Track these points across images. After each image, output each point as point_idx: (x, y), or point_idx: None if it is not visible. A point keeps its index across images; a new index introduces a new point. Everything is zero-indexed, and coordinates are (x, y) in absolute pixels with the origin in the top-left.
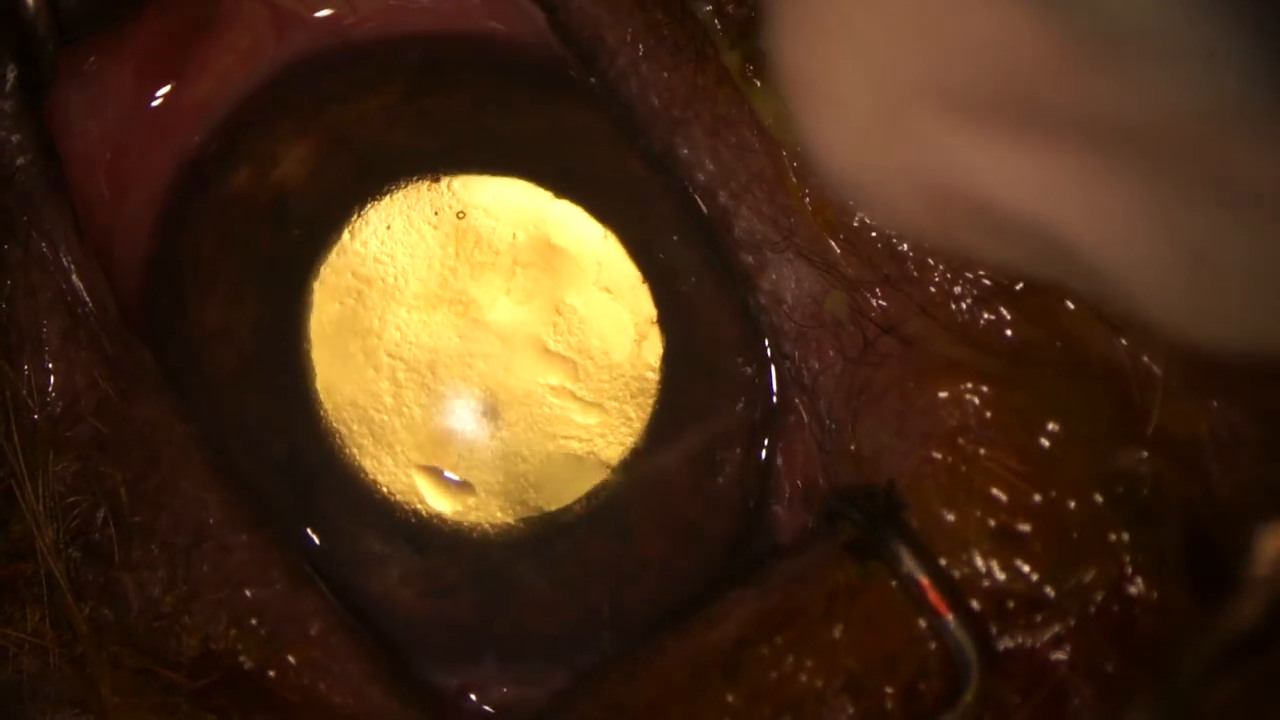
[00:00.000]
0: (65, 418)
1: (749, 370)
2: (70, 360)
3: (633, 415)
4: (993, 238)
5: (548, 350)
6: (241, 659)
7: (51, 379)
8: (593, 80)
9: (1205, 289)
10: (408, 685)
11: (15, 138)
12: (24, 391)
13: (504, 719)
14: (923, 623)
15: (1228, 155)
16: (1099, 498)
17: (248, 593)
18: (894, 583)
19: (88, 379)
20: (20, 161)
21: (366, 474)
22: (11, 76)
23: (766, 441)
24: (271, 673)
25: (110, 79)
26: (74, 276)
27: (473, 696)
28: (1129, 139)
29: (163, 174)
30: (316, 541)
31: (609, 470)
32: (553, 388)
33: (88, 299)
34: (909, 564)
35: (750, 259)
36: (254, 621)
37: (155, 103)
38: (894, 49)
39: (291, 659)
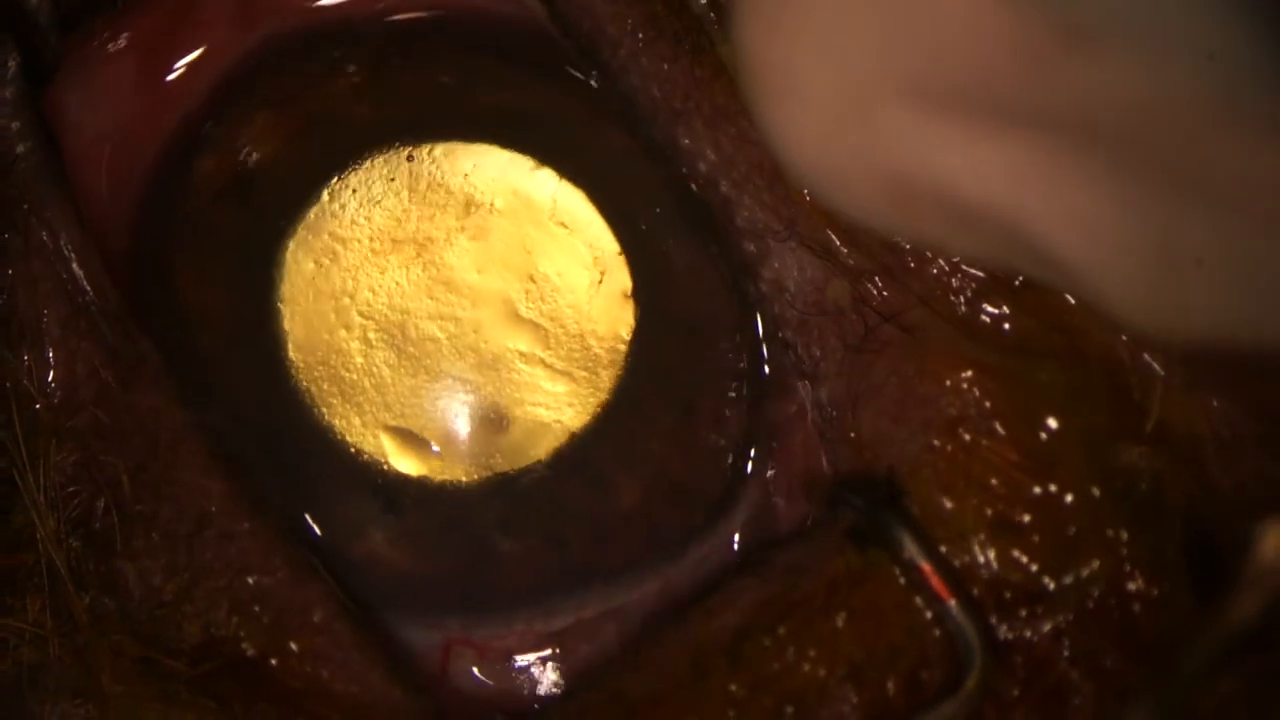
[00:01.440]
0: (66, 407)
1: (725, 345)
2: (71, 349)
3: (601, 386)
4: (958, 229)
5: (518, 316)
6: (244, 646)
7: (52, 368)
8: (594, 73)
9: (1168, 283)
10: (410, 671)
11: (15, 125)
12: (25, 381)
13: (505, 703)
14: (925, 611)
15: (1200, 150)
16: (1097, 492)
17: (250, 580)
18: (896, 570)
19: (88, 368)
20: (21, 149)
21: (335, 433)
22: (13, 65)
23: (765, 429)
24: (274, 660)
25: (110, 69)
26: (74, 265)
27: (470, 666)
28: (1097, 133)
29: (144, 160)
30: (297, 506)
31: (574, 437)
32: (522, 353)
33: (88, 287)
34: (911, 550)
35: (752, 247)
36: (256, 609)
37: (149, 90)
38: (860, 38)
39: (294, 646)
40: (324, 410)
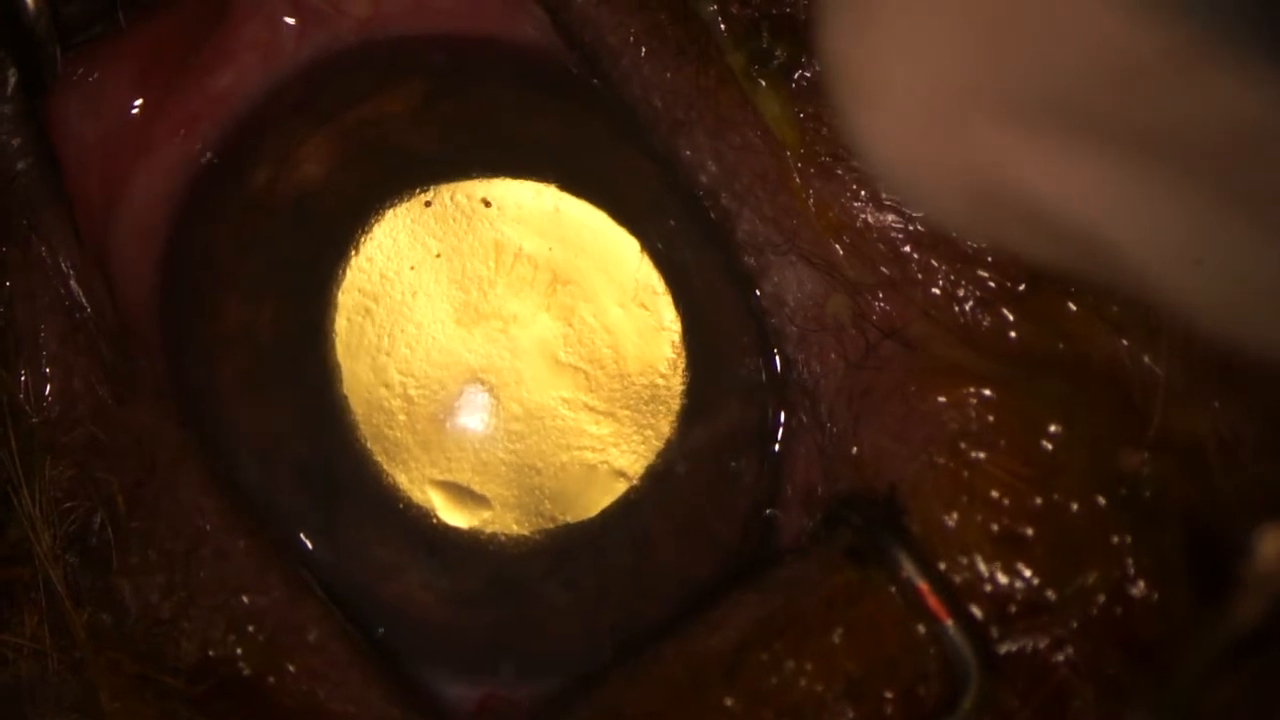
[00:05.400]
0: (62, 422)
1: (761, 375)
2: (67, 365)
3: (645, 423)
4: (1038, 238)
5: (559, 361)
6: (240, 665)
7: (49, 383)
8: (596, 82)
9: (1237, 297)
10: (407, 691)
11: (16, 141)
12: (20, 396)
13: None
14: (922, 628)
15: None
16: (1102, 500)
17: (245, 599)
18: (893, 588)
19: (85, 384)
20: (21, 165)
21: (384, 490)
22: (12, 80)
23: (775, 447)
24: (270, 679)
25: (108, 82)
26: (72, 281)
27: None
28: (1188, 153)
29: (175, 172)
30: (334, 555)
31: (623, 479)
32: (565, 399)
33: (86, 304)
34: (908, 569)
35: (753, 261)
36: (252, 628)
37: (158, 103)
38: (954, 51)
39: (290, 666)
40: (371, 467)
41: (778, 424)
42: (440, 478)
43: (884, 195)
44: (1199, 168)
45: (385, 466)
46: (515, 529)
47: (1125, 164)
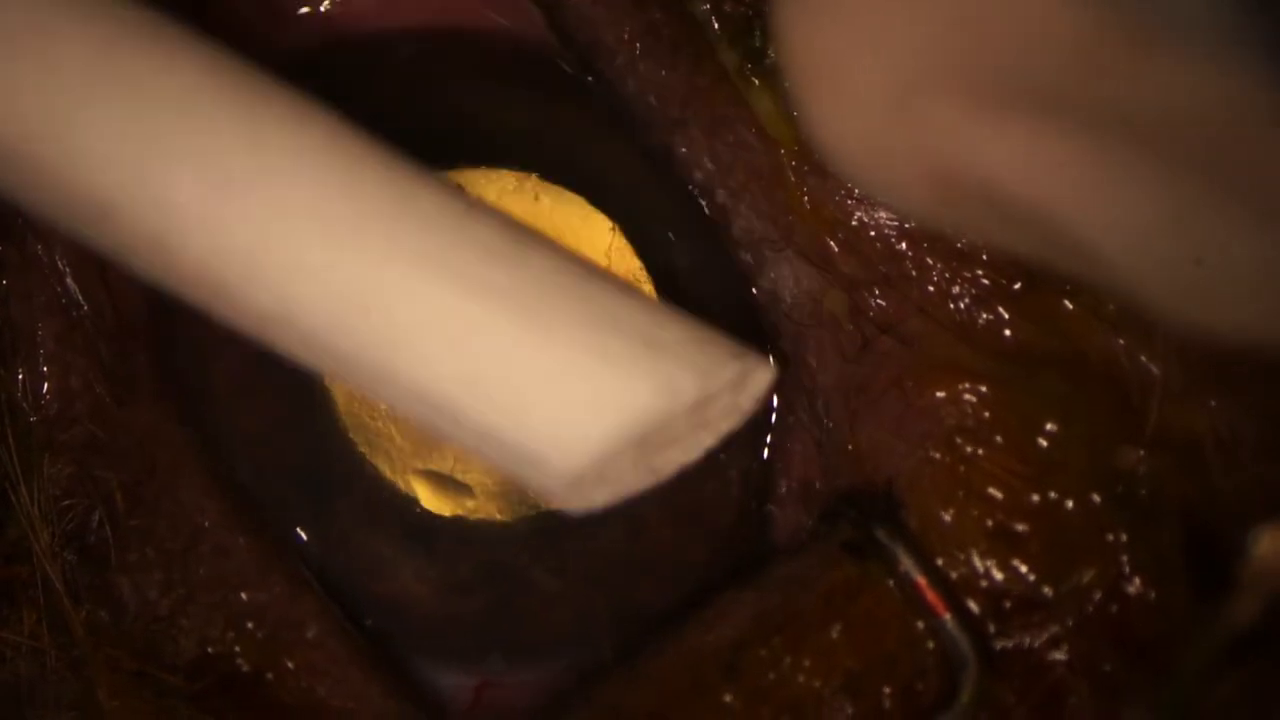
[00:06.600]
0: (60, 421)
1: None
2: (65, 363)
3: None
4: (1002, 227)
5: None
6: (239, 662)
7: (46, 382)
8: (590, 80)
9: (1210, 286)
10: (407, 687)
11: None
12: (19, 394)
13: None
14: (920, 624)
15: (1254, 155)
16: (1097, 498)
17: (244, 596)
18: (891, 583)
19: (83, 382)
20: None
21: (368, 480)
22: None
23: (768, 441)
24: (269, 675)
25: None
26: (69, 280)
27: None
28: (1151, 135)
29: None
30: (323, 547)
31: None
32: None
33: (83, 302)
34: (906, 564)
35: (749, 257)
36: (251, 624)
37: None
38: (908, 31)
39: (289, 662)
40: (355, 457)
41: (771, 419)
42: (423, 466)
43: None
44: (1175, 158)
45: (368, 456)
46: (498, 516)
47: (1085, 147)
